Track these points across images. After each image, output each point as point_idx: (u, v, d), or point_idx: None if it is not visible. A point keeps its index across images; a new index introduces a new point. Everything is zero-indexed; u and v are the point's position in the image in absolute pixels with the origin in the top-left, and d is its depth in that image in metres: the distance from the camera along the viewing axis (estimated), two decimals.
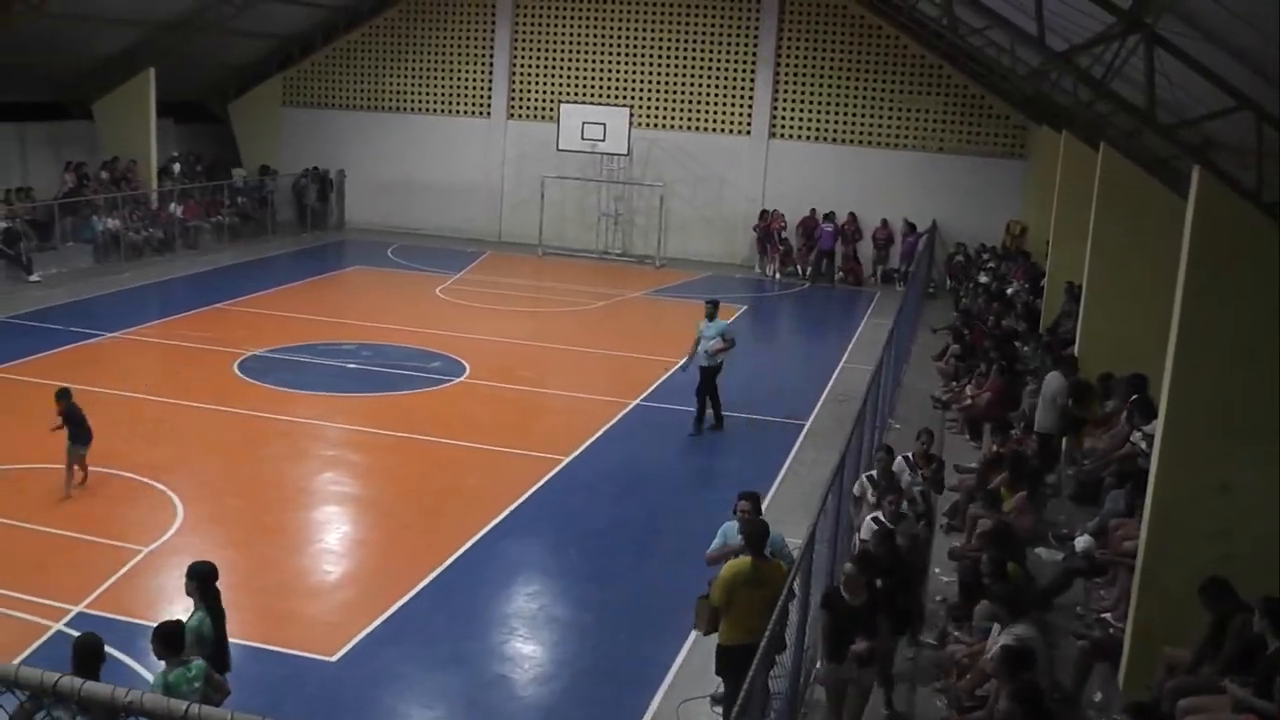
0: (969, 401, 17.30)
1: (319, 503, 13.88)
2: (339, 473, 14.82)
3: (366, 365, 19.61)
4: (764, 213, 31.32)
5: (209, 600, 7.92)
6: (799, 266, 30.99)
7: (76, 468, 13.42)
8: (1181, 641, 8.92)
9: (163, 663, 7.23)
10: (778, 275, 30.78)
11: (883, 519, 10.12)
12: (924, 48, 29.73)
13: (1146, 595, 9.37)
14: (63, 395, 13.54)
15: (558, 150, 31.20)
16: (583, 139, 30.60)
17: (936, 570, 12.16)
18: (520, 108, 33.28)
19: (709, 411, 17.14)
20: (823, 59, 30.87)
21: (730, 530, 9.28)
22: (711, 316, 17.27)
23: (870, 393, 12.67)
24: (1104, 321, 15.74)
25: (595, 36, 32.28)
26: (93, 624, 10.08)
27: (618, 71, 32.28)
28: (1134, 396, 13.87)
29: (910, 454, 11.87)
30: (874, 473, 11.15)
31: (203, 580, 7.93)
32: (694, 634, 10.60)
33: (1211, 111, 9.14)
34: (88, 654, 6.79)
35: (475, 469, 15.19)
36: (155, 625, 7.34)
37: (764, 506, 10.19)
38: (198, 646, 7.60)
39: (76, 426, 13.34)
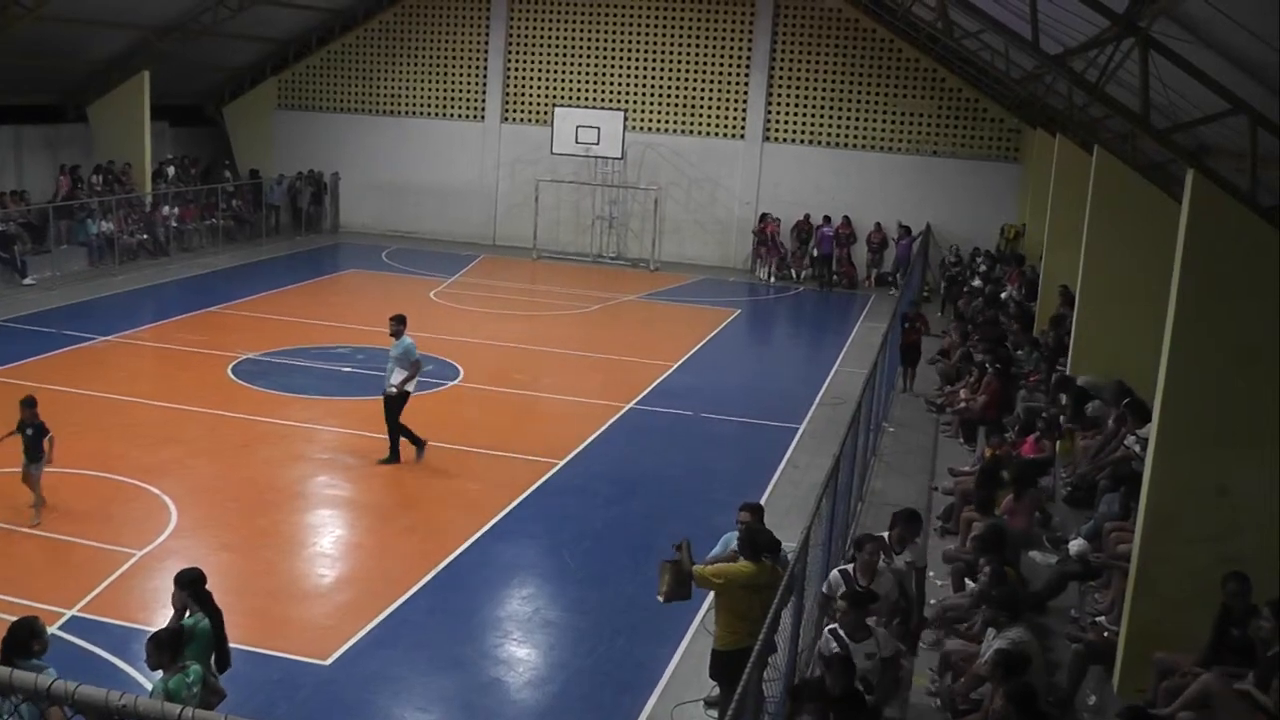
0: (963, 404, 17.33)
1: (313, 506, 13.85)
2: (333, 476, 14.79)
3: (360, 369, 19.56)
4: (764, 216, 31.39)
5: (203, 604, 7.89)
6: (793, 270, 31.03)
7: (31, 482, 12.67)
8: (1175, 645, 8.92)
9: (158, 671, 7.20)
10: (772, 279, 30.80)
11: (841, 633, 8.25)
12: (918, 51, 29.81)
13: (1140, 598, 9.36)
14: (29, 403, 12.81)
15: (552, 154, 31.23)
16: (577, 142, 30.63)
17: (931, 574, 12.16)
18: (514, 111, 33.29)
19: (418, 438, 15.17)
20: (817, 62, 30.93)
21: (730, 540, 9.26)
22: (397, 335, 15.07)
23: (864, 396, 12.68)
24: (1098, 325, 15.76)
25: (589, 40, 32.31)
26: (86, 627, 10.09)
27: (612, 75, 32.31)
28: (1126, 400, 13.90)
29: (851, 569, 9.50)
30: (850, 567, 9.10)
31: (194, 586, 7.90)
32: (688, 638, 10.62)
33: (1206, 115, 9.15)
34: (25, 635, 6.84)
35: (469, 472, 15.17)
36: (152, 632, 7.32)
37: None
38: (194, 647, 7.57)
39: (40, 439, 12.61)
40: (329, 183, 34.49)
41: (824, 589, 9.10)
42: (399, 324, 15.13)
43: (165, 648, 7.14)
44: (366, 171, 34.31)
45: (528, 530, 13.35)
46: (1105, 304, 15.62)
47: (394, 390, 14.86)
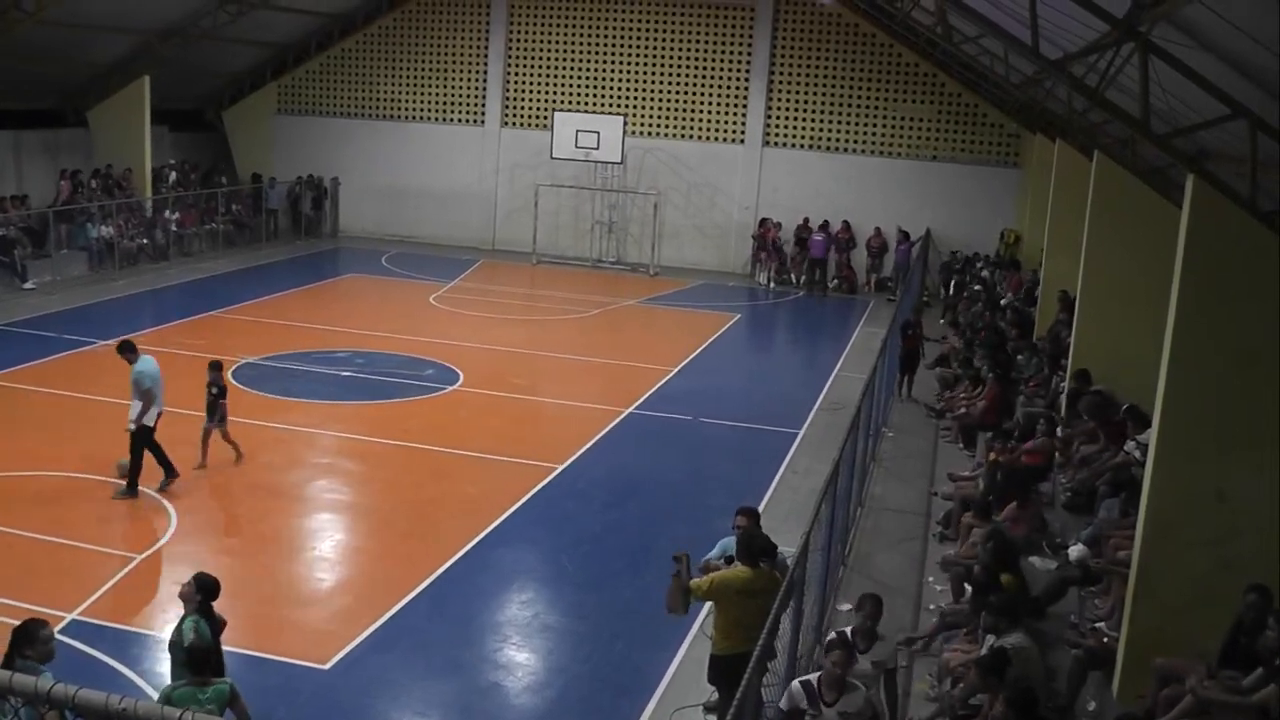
0: (964, 409, 17.33)
1: (312, 510, 13.84)
2: (332, 480, 14.79)
3: (360, 373, 19.57)
4: (764, 220, 31.40)
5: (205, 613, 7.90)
6: (793, 275, 31.04)
7: (224, 441, 14.56)
8: (1175, 651, 8.91)
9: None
10: (772, 284, 30.80)
11: None
12: (918, 56, 29.82)
13: (1140, 604, 9.35)
14: (216, 366, 14.63)
15: (552, 158, 31.26)
16: (576, 147, 30.66)
17: (930, 579, 12.18)
18: (514, 115, 33.30)
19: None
20: (817, 67, 30.95)
21: (728, 545, 9.24)
22: (131, 363, 13.59)
23: (864, 401, 12.67)
24: (1098, 330, 15.75)
25: (589, 44, 32.33)
26: (86, 631, 10.08)
27: (612, 79, 32.32)
28: (1126, 405, 13.91)
29: (849, 631, 8.51)
30: (814, 678, 7.75)
31: (206, 593, 7.93)
32: (687, 643, 10.61)
33: (1206, 120, 9.16)
34: (23, 638, 6.84)
35: (469, 476, 15.16)
36: (187, 649, 7.30)
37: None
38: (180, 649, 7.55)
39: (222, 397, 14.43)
40: (329, 187, 34.50)
41: (781, 704, 7.73)
42: (128, 351, 13.70)
43: (184, 663, 7.09)
44: (366, 176, 34.32)
45: (527, 535, 13.34)
46: (1105, 309, 15.60)
47: (133, 427, 13.35)
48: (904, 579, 12.29)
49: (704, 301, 28.24)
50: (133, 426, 13.33)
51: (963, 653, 9.56)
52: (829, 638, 8.39)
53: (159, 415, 13.53)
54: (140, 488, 13.48)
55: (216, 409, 14.38)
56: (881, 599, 8.86)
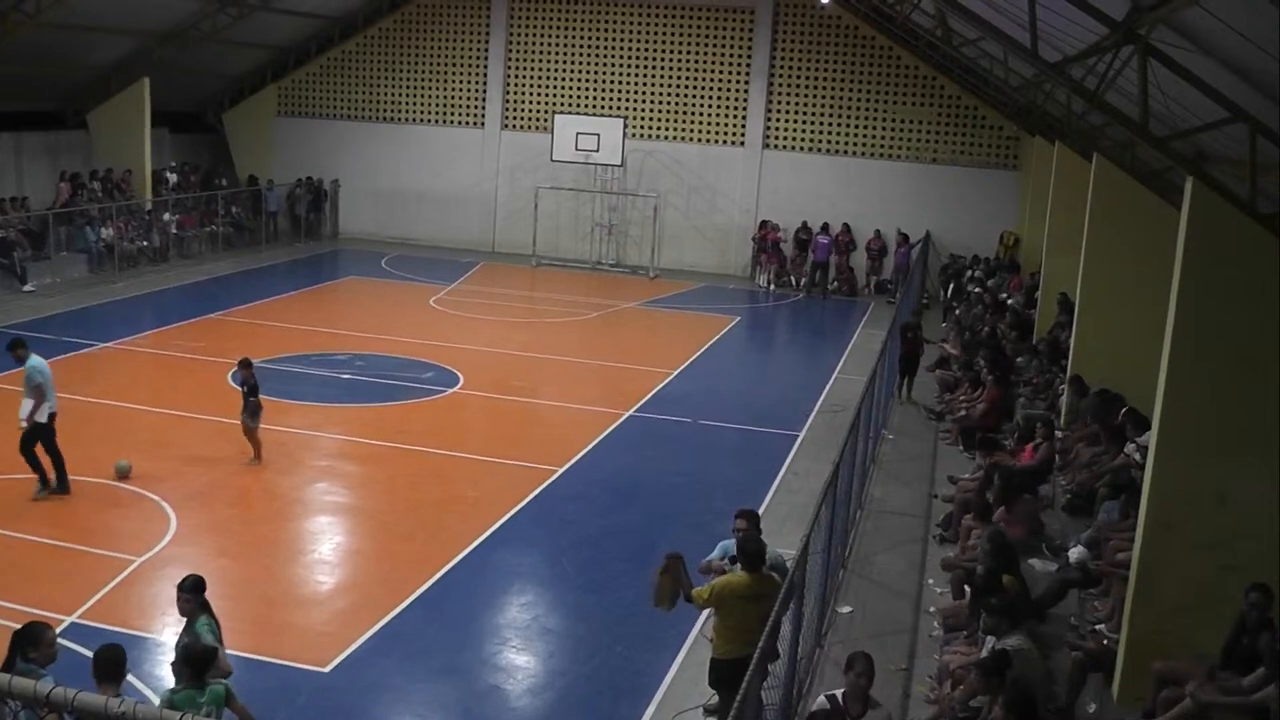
0: (964, 412, 17.33)
1: (312, 513, 13.84)
2: (332, 483, 14.79)
3: (360, 375, 19.58)
4: (764, 223, 31.42)
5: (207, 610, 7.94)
6: (793, 277, 31.03)
7: (245, 437, 14.88)
8: (1175, 653, 8.91)
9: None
10: (772, 286, 30.80)
11: None
12: (917, 59, 29.85)
13: (1140, 606, 9.36)
14: (246, 363, 14.92)
15: (552, 161, 31.26)
16: (576, 149, 30.66)
17: (930, 581, 12.18)
18: (514, 118, 33.32)
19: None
20: (817, 70, 30.97)
21: (729, 547, 9.24)
22: (21, 360, 13.40)
23: (863, 403, 12.67)
24: (1098, 332, 15.77)
25: (589, 47, 32.34)
26: (85, 634, 10.06)
27: (612, 82, 32.34)
28: (1125, 408, 13.92)
29: (839, 695, 7.88)
30: None
31: (198, 590, 7.95)
32: (688, 645, 10.61)
33: (1205, 123, 9.16)
34: (23, 640, 6.84)
35: (469, 479, 15.16)
36: (185, 648, 7.29)
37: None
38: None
39: (254, 395, 14.71)
40: (329, 190, 34.52)
41: None
42: (18, 348, 13.46)
43: (186, 667, 7.09)
44: (366, 178, 34.34)
45: (527, 537, 13.34)
46: (1105, 311, 15.63)
47: (25, 425, 13.15)
48: (904, 581, 12.30)
49: (704, 304, 28.25)
50: (24, 424, 13.16)
51: (963, 655, 9.56)
52: (818, 702, 7.91)
53: (52, 413, 13.38)
54: (139, 490, 13.50)
55: (254, 407, 14.73)
56: (872, 657, 8.02)
